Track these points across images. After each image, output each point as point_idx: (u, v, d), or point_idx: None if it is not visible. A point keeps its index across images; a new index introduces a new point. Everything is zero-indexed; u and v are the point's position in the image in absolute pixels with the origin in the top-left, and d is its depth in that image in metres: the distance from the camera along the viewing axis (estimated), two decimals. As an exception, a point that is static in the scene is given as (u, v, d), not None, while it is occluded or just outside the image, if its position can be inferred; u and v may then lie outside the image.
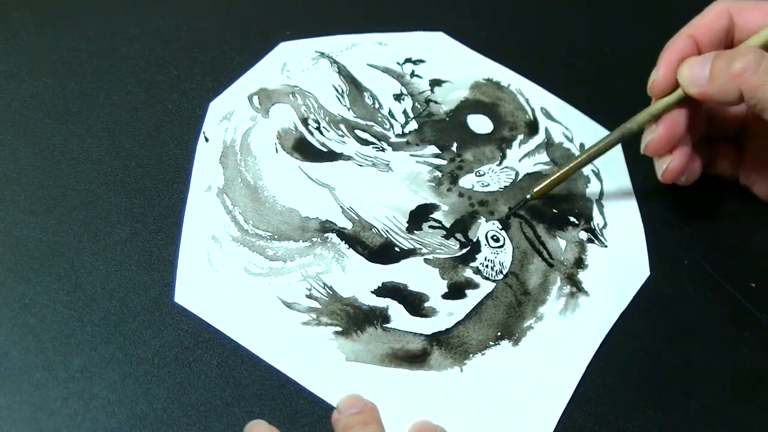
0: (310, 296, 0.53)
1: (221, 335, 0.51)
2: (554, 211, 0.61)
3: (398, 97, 0.64)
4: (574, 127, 0.66)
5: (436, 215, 0.59)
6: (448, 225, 0.58)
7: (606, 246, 0.60)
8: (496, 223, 0.59)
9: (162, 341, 0.50)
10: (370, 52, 0.66)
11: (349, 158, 0.60)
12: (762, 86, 0.54)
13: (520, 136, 0.65)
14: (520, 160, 0.63)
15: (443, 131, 0.63)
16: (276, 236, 0.55)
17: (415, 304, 0.54)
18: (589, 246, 0.60)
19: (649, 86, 0.59)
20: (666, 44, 0.59)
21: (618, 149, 0.65)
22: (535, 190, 0.59)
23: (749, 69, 0.54)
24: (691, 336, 0.57)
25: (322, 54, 0.65)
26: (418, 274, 0.56)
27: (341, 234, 0.56)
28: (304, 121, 0.61)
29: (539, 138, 0.65)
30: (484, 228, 0.59)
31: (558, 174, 0.59)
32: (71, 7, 0.64)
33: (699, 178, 0.61)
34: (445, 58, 0.68)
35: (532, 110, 0.66)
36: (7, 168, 0.55)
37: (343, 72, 0.65)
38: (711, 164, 0.63)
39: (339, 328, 0.52)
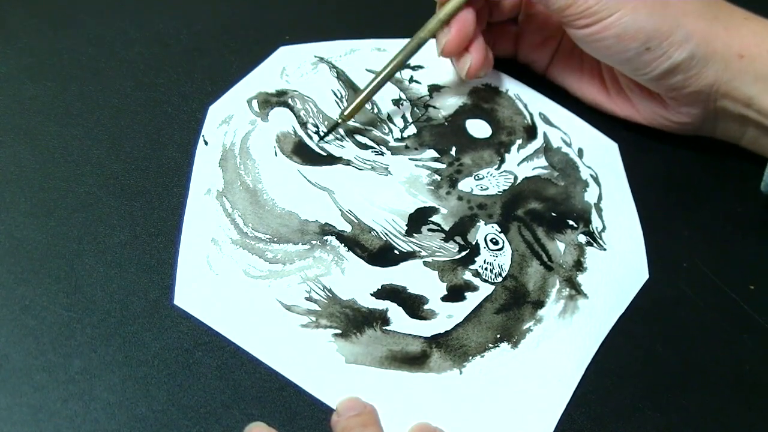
0: (309, 299, 0.53)
1: (221, 338, 0.51)
2: (553, 214, 0.61)
3: (397, 102, 0.65)
4: (573, 131, 0.66)
5: (435, 218, 0.59)
6: (447, 228, 0.58)
7: (605, 249, 0.60)
8: (495, 226, 0.59)
9: (162, 344, 0.50)
10: (369, 58, 0.67)
11: (348, 162, 0.60)
12: None
13: (519, 141, 0.65)
14: (518, 165, 0.63)
15: (442, 136, 0.63)
16: (275, 239, 0.55)
17: (414, 306, 0.54)
18: (588, 249, 0.60)
19: None
20: None
21: (615, 154, 0.66)
22: (345, 113, 0.61)
23: None
24: (689, 338, 0.57)
25: (321, 59, 0.65)
26: (418, 277, 0.56)
27: (340, 237, 0.56)
28: (303, 125, 0.61)
29: (537, 143, 0.65)
30: (483, 231, 0.59)
31: (364, 94, 0.61)
32: (71, 10, 0.64)
33: (697, 180, 0.61)
34: (444, 64, 0.68)
35: (531, 115, 0.67)
36: (7, 170, 0.55)
37: (342, 77, 0.65)
38: (493, 47, 0.67)
39: (338, 331, 0.52)
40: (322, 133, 0.60)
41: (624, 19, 0.59)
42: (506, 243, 0.59)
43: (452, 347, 0.53)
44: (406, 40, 0.67)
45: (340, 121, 0.60)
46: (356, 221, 0.57)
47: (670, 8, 0.60)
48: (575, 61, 0.68)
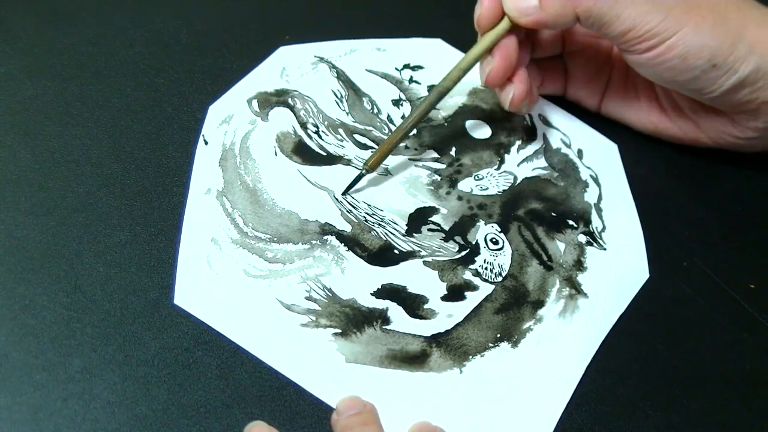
0: (309, 298, 0.53)
1: (221, 337, 0.51)
2: (553, 214, 0.61)
3: (397, 103, 0.65)
4: (572, 133, 0.66)
5: (435, 218, 0.59)
6: (446, 228, 0.58)
7: (605, 249, 0.60)
8: (495, 225, 0.59)
9: (162, 343, 0.50)
10: (369, 58, 0.67)
11: (348, 162, 0.60)
12: (595, 5, 0.57)
13: (518, 142, 0.65)
14: (518, 165, 0.63)
15: (442, 136, 0.63)
16: (275, 239, 0.55)
17: (414, 305, 0.55)
18: (588, 249, 0.60)
19: (475, 21, 0.61)
20: None
21: (615, 155, 0.66)
22: (369, 163, 0.58)
23: None
24: (690, 337, 0.57)
25: (321, 59, 0.65)
26: (418, 276, 0.56)
27: (340, 236, 0.56)
28: (303, 125, 0.61)
29: (537, 143, 0.65)
30: (483, 231, 0.59)
31: (387, 145, 0.59)
32: (71, 9, 0.64)
33: (696, 179, 0.61)
34: (444, 64, 0.68)
35: (530, 116, 0.67)
36: (7, 170, 0.55)
37: (342, 77, 0.65)
38: (541, 85, 0.66)
39: (338, 330, 0.52)
40: (344, 187, 0.59)
41: (687, 37, 0.57)
42: (506, 243, 0.59)
43: (452, 346, 0.53)
44: (405, 40, 0.67)
45: (364, 171, 0.59)
46: (356, 221, 0.57)
47: (730, 21, 0.58)
48: (630, 91, 0.66)
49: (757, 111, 0.60)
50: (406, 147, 0.62)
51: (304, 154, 0.60)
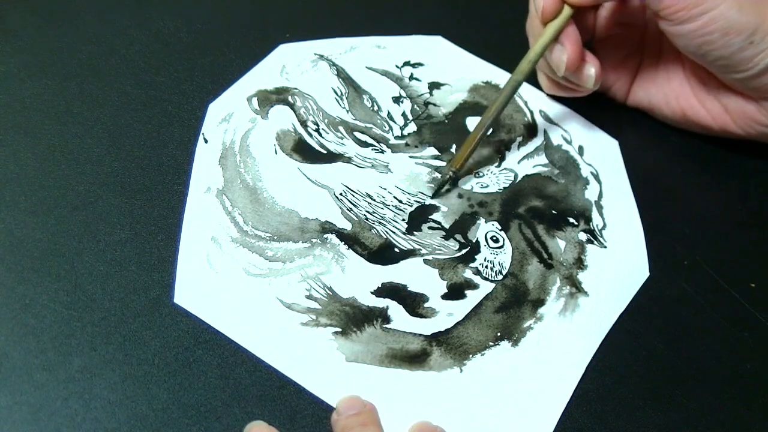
0: (309, 297, 0.53)
1: (221, 336, 0.51)
2: (553, 211, 0.61)
3: (397, 100, 0.65)
4: (573, 129, 0.66)
5: (435, 216, 0.59)
6: (447, 226, 0.58)
7: (605, 247, 0.60)
8: (496, 223, 0.59)
9: (162, 342, 0.50)
10: (369, 55, 0.67)
11: (348, 160, 0.60)
12: None
13: (519, 139, 0.65)
14: (519, 162, 0.63)
15: (442, 133, 0.63)
16: (275, 237, 0.55)
17: (414, 304, 0.54)
18: (589, 247, 0.60)
19: (540, 13, 0.61)
20: None
21: (616, 151, 0.66)
22: (454, 165, 0.60)
23: None
24: (690, 336, 0.57)
25: (321, 56, 0.65)
26: (418, 275, 0.56)
27: (341, 235, 0.56)
28: (303, 123, 0.61)
29: (538, 140, 0.65)
30: (484, 229, 0.59)
31: (468, 144, 0.60)
32: (71, 8, 0.64)
33: (697, 177, 0.63)
34: (444, 61, 0.68)
35: (531, 113, 0.67)
36: (7, 168, 0.55)
37: (342, 74, 0.65)
38: None
39: (338, 329, 0.52)
40: (433, 190, 0.60)
41: (731, 12, 0.57)
42: (506, 241, 0.59)
43: (452, 345, 0.53)
44: (405, 38, 0.67)
45: (451, 173, 0.59)
46: (356, 219, 0.57)
47: None
48: (661, 75, 0.67)
49: None
50: (407, 144, 0.62)
51: (304, 152, 0.60)
